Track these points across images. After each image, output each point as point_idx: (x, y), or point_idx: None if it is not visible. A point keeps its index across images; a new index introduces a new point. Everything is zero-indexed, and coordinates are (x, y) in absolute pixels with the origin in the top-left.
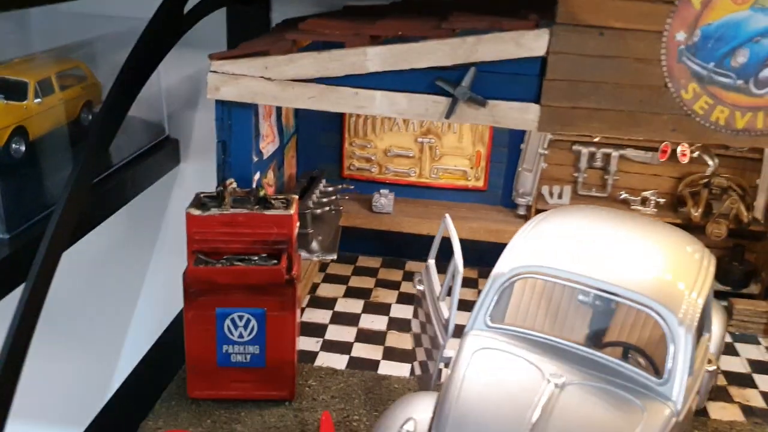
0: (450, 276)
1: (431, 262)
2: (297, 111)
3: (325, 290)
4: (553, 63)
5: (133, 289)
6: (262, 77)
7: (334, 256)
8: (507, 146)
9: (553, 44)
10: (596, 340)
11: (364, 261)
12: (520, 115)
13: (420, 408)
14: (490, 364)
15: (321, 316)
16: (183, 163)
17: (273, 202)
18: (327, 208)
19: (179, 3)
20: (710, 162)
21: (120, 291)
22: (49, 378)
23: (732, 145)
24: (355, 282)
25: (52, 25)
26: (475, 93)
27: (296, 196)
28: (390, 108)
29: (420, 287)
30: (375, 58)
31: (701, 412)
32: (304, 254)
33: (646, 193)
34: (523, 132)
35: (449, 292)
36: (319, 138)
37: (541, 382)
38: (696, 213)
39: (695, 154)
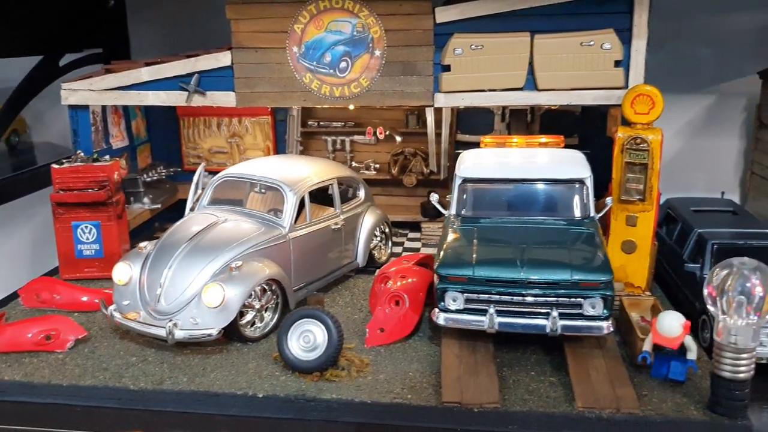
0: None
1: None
2: (148, 125)
3: None
4: (237, 69)
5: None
6: (89, 89)
7: (159, 206)
8: (284, 140)
9: (234, 58)
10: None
11: None
12: (226, 98)
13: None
14: (195, 215)
15: None
16: None
17: (101, 160)
18: (155, 179)
19: (55, 60)
20: (397, 138)
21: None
22: None
23: (336, 105)
24: None
25: None
26: (201, 88)
27: (118, 158)
28: (157, 99)
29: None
30: (146, 73)
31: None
32: (138, 205)
33: (368, 163)
34: (286, 128)
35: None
36: (168, 144)
37: (213, 219)
38: (394, 171)
39: (387, 133)
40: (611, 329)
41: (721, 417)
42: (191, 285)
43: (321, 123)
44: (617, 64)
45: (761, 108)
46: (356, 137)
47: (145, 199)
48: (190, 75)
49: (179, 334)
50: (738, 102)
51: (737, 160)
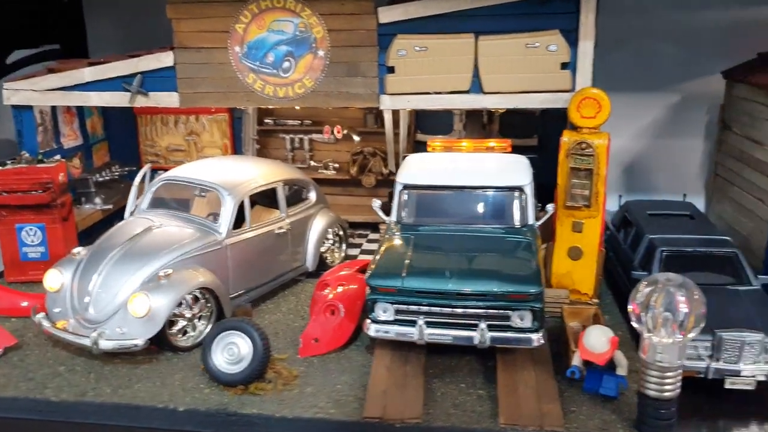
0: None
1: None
2: (106, 123)
3: None
4: (180, 69)
5: None
6: (31, 89)
7: (110, 206)
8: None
9: (177, 58)
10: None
11: None
12: (169, 99)
13: None
14: (131, 220)
15: None
16: None
17: (46, 161)
18: (108, 179)
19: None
20: (355, 137)
21: None
22: None
23: (280, 106)
24: None
25: None
26: (144, 89)
27: (64, 160)
28: (100, 100)
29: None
30: (89, 74)
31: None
32: (89, 206)
33: (328, 162)
34: (241, 126)
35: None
36: (127, 142)
37: (149, 224)
38: (353, 171)
39: (345, 132)
40: (541, 341)
41: None
42: (119, 293)
43: (278, 121)
44: (564, 66)
45: (725, 109)
46: (315, 136)
47: (97, 200)
48: (133, 75)
49: (105, 345)
50: (703, 102)
51: (702, 162)
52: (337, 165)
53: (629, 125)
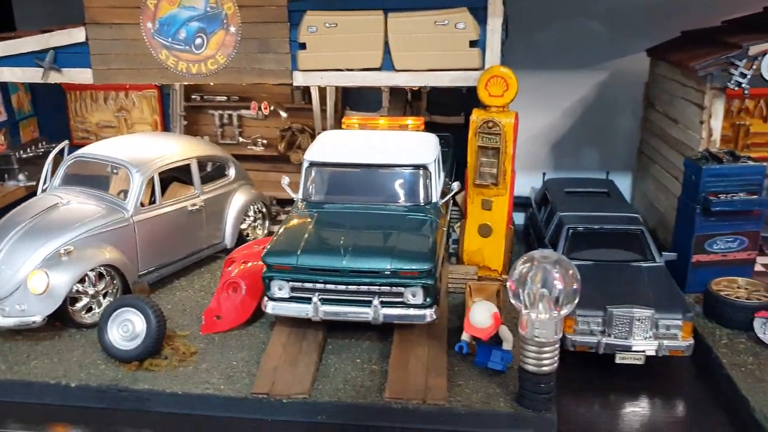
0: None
1: None
2: (34, 99)
3: None
4: (92, 45)
5: None
6: None
7: (33, 183)
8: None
9: (89, 34)
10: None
11: None
12: (83, 75)
13: None
14: (41, 197)
15: None
16: None
17: None
18: (32, 155)
19: None
20: (282, 113)
21: None
22: None
23: (194, 82)
24: None
25: None
26: (57, 65)
27: None
28: (12, 75)
29: None
30: (0, 49)
31: None
32: (12, 182)
33: (256, 138)
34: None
35: None
36: (57, 119)
37: (57, 200)
38: (281, 147)
39: (272, 108)
40: (434, 317)
41: (527, 410)
42: (21, 270)
43: (205, 97)
44: (473, 44)
45: (649, 87)
46: (243, 112)
47: (21, 176)
48: (46, 51)
49: (6, 322)
50: (630, 80)
51: (630, 140)
52: (265, 141)
53: (558, 103)
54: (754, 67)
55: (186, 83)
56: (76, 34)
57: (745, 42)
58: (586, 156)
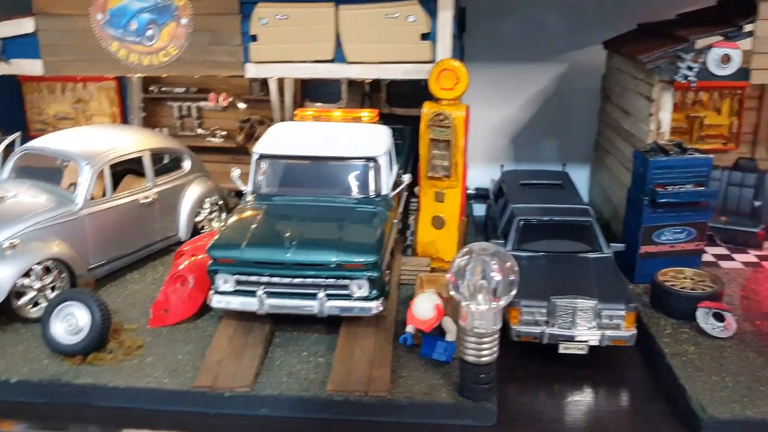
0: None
1: None
2: None
3: None
4: (42, 36)
5: None
6: None
7: None
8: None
9: (38, 25)
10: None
11: None
12: (33, 66)
13: None
14: None
15: None
16: None
17: None
18: None
19: None
20: (240, 105)
21: None
22: None
23: (146, 74)
24: None
25: None
26: (5, 56)
27: None
28: None
29: None
30: None
31: None
32: None
33: (215, 130)
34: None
35: None
36: (13, 110)
37: (3, 194)
38: (240, 138)
39: (231, 100)
40: (381, 309)
41: (467, 400)
42: None
43: (163, 89)
44: (424, 37)
45: (606, 79)
46: (202, 103)
47: None
48: None
49: None
50: (589, 72)
51: (589, 131)
52: (224, 133)
53: (518, 95)
54: (701, 60)
55: (143, 75)
56: (25, 25)
57: (692, 35)
58: (545, 148)
